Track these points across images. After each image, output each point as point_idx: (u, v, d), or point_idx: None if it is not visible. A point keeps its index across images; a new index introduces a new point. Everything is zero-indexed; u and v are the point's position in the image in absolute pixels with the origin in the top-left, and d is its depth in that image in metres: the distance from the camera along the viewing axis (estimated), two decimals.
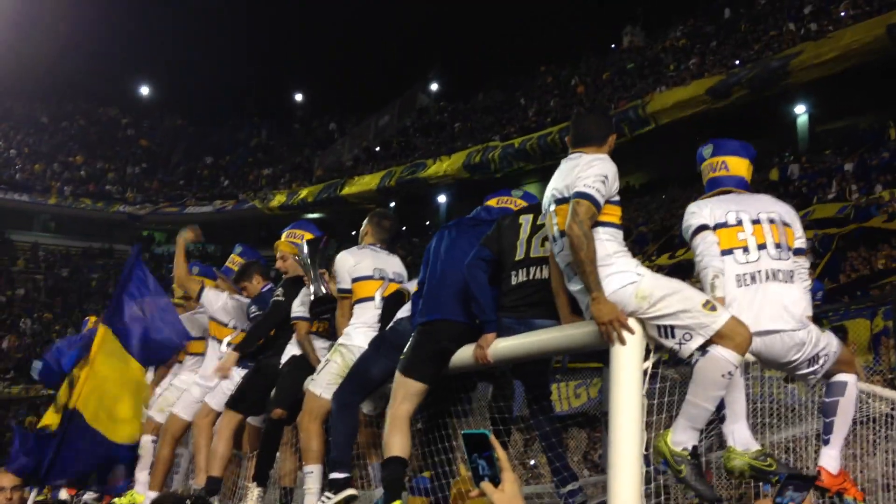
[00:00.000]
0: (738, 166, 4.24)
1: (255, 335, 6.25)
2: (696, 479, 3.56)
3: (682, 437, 3.58)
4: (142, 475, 7.09)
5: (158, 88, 49.68)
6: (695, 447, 3.59)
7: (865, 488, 5.20)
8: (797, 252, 4.06)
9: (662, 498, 3.67)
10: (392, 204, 34.86)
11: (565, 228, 3.62)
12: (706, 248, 3.90)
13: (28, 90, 43.49)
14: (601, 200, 3.66)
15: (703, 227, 3.96)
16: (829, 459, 3.98)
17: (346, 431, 4.94)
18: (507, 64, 39.86)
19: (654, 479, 3.60)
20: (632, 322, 3.54)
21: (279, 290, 6.17)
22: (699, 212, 4.02)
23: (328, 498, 4.79)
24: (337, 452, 4.89)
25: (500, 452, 2.07)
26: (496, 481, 2.06)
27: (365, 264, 5.36)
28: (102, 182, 41.95)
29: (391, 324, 4.95)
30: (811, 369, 3.85)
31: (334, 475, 4.82)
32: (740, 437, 3.76)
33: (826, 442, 4.02)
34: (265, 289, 6.56)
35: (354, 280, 5.32)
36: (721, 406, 3.76)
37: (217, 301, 6.82)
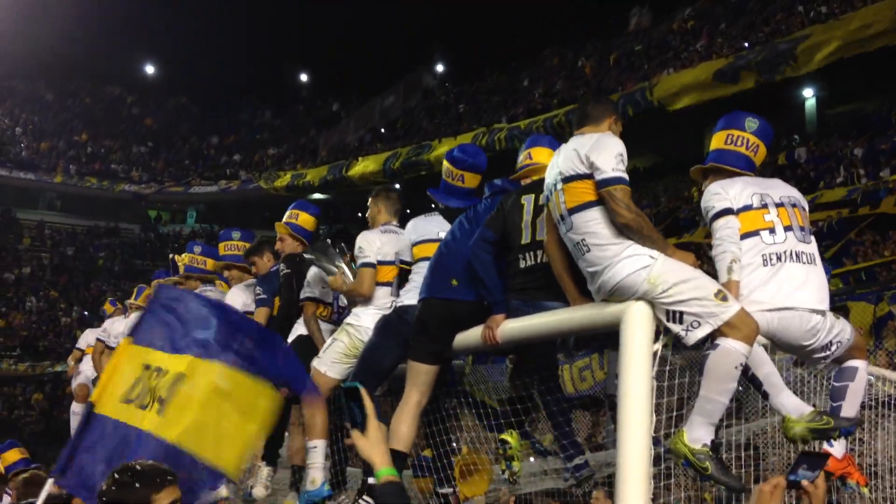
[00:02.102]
0: (762, 157, 4.20)
1: (284, 319, 6.11)
2: (722, 473, 3.55)
3: (698, 434, 3.55)
4: None
5: (163, 67, 49.53)
6: (713, 441, 3.58)
7: (873, 472, 5.22)
8: None
9: (673, 481, 3.67)
10: (397, 185, 34.87)
11: (617, 220, 3.61)
12: (727, 234, 3.83)
13: (32, 68, 43.35)
14: (627, 178, 3.68)
15: (727, 211, 3.88)
16: (836, 443, 4.00)
17: None
18: (513, 45, 39.65)
19: (664, 459, 3.61)
20: (641, 304, 3.55)
21: (282, 265, 6.23)
22: (724, 193, 3.93)
23: (367, 502, 4.80)
24: None
25: (367, 402, 2.42)
26: (363, 429, 2.43)
27: (388, 249, 5.33)
28: (108, 161, 41.93)
29: (397, 307, 4.96)
30: (823, 354, 3.86)
31: (372, 480, 4.82)
32: (791, 404, 3.77)
33: None
34: (274, 268, 6.58)
35: (379, 263, 5.31)
36: (759, 384, 3.80)
37: (239, 299, 6.78)
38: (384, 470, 2.50)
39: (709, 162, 4.19)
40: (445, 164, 5.21)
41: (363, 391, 2.44)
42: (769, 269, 3.77)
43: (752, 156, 4.15)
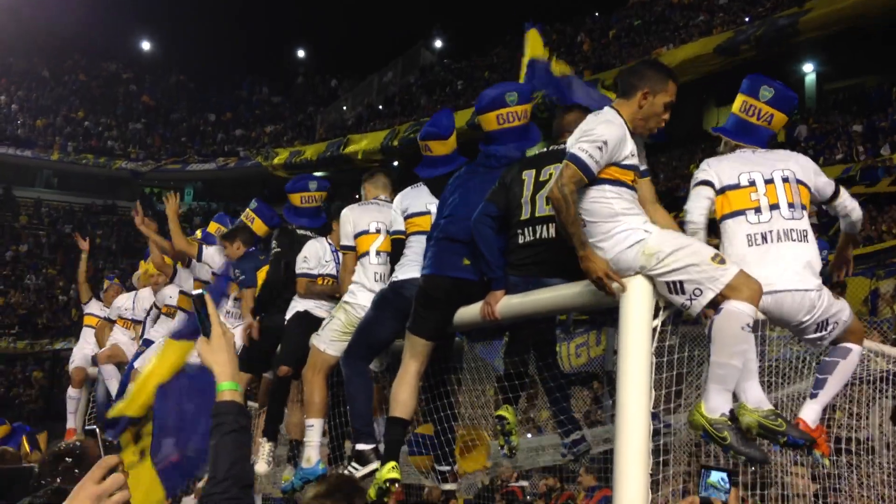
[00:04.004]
0: (779, 123, 4.17)
1: (267, 293, 6.22)
2: (742, 443, 3.51)
3: (716, 403, 3.51)
4: None
5: (159, 44, 49.10)
6: (731, 411, 3.53)
7: (870, 447, 5.24)
8: (835, 195, 4.07)
9: (672, 456, 3.68)
10: (395, 163, 34.79)
11: (549, 191, 3.64)
12: (696, 203, 3.93)
13: (27, 45, 42.97)
14: (594, 166, 3.62)
15: (705, 182, 3.95)
16: (811, 412, 4.00)
17: (365, 400, 4.97)
18: (512, 21, 39.32)
19: (662, 434, 3.61)
20: (640, 279, 3.54)
21: (274, 242, 6.23)
22: (709, 169, 4.01)
23: (355, 469, 4.82)
24: (361, 423, 4.92)
25: (211, 309, 2.38)
26: (208, 336, 2.37)
27: (364, 219, 5.38)
28: (104, 138, 41.73)
29: (392, 282, 4.95)
30: (819, 334, 3.84)
31: (361, 447, 4.84)
32: (753, 395, 3.73)
33: (813, 396, 4.03)
34: (250, 250, 6.61)
35: (356, 235, 5.36)
36: None
37: (219, 256, 6.86)
38: (225, 384, 2.32)
39: (719, 130, 4.23)
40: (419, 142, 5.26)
41: (208, 298, 2.40)
42: (755, 249, 3.78)
43: (766, 125, 4.13)
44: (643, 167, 4.00)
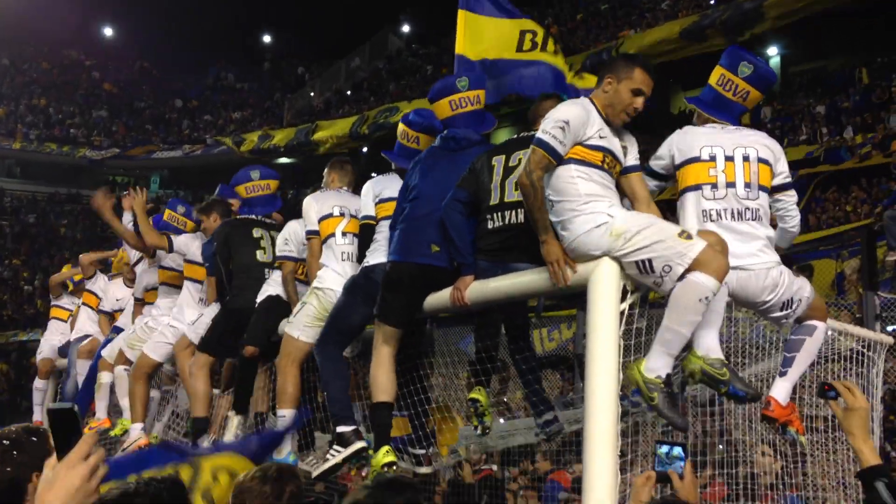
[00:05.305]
0: (754, 101, 4.18)
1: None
2: (668, 407, 3.57)
3: (656, 364, 3.57)
4: (101, 404, 7.50)
5: (122, 30, 48.26)
6: (668, 375, 3.60)
7: (835, 424, 5.33)
8: (784, 188, 4.06)
9: (641, 437, 3.72)
10: (364, 149, 34.64)
11: (518, 177, 3.71)
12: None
13: None
14: (559, 147, 3.67)
15: (655, 157, 4.09)
16: (781, 391, 4.06)
17: (340, 385, 4.97)
18: None
19: (631, 414, 3.65)
20: (608, 262, 3.56)
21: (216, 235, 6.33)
22: (669, 147, 4.09)
23: (337, 452, 4.82)
24: (338, 407, 4.92)
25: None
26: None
27: (327, 204, 5.43)
28: (68, 126, 41.01)
29: (363, 267, 4.95)
30: (784, 313, 3.90)
31: (341, 429, 4.84)
32: (705, 342, 3.74)
33: (782, 374, 4.09)
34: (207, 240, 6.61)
35: (320, 220, 5.40)
36: None
37: (192, 243, 6.83)
38: None
39: (693, 101, 4.25)
40: (401, 126, 5.26)
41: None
42: (709, 226, 3.82)
43: (741, 101, 4.13)
44: (633, 162, 3.99)
